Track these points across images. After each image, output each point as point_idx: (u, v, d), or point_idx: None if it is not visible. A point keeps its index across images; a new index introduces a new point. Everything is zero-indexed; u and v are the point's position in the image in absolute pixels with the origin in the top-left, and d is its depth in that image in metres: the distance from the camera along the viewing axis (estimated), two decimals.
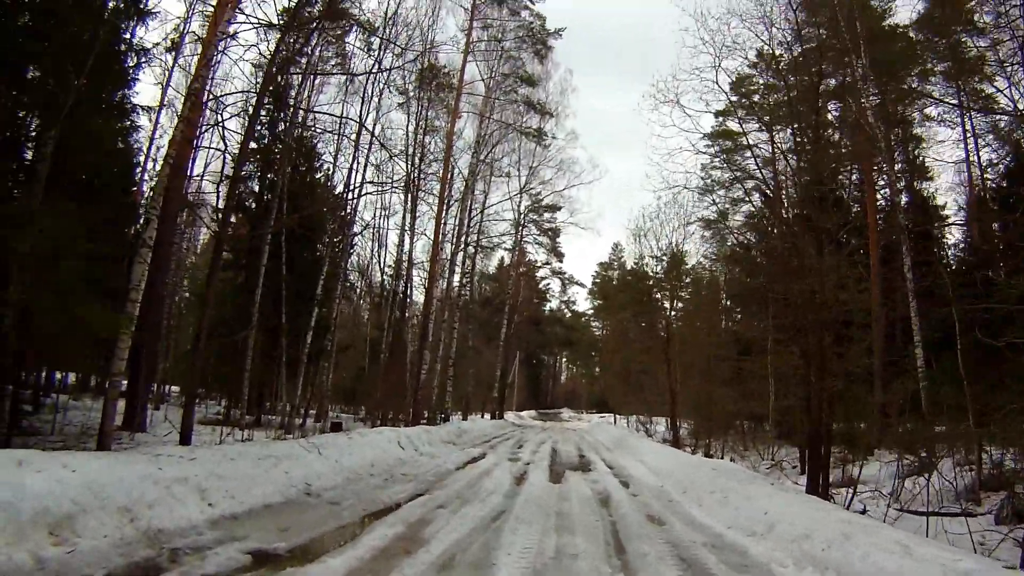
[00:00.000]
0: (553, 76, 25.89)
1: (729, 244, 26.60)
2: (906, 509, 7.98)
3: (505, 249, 30.87)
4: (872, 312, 12.72)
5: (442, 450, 12.86)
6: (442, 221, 19.35)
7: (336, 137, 17.88)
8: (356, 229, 21.28)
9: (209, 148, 15.88)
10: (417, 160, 20.47)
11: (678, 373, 18.18)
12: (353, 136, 17.09)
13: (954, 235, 16.67)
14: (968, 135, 15.65)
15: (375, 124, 18.44)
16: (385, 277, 23.99)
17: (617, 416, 32.81)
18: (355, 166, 18.66)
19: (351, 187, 18.37)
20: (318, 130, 17.80)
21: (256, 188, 16.88)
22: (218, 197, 14.62)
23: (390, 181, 18.58)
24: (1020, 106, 9.02)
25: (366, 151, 17.87)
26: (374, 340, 23.98)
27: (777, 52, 14.60)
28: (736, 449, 17.39)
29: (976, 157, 15.52)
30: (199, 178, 18.52)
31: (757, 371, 18.69)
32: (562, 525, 5.83)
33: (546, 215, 31.28)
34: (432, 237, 19.94)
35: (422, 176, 20.40)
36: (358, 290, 28.03)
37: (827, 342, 7.68)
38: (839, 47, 14.56)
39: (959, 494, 8.24)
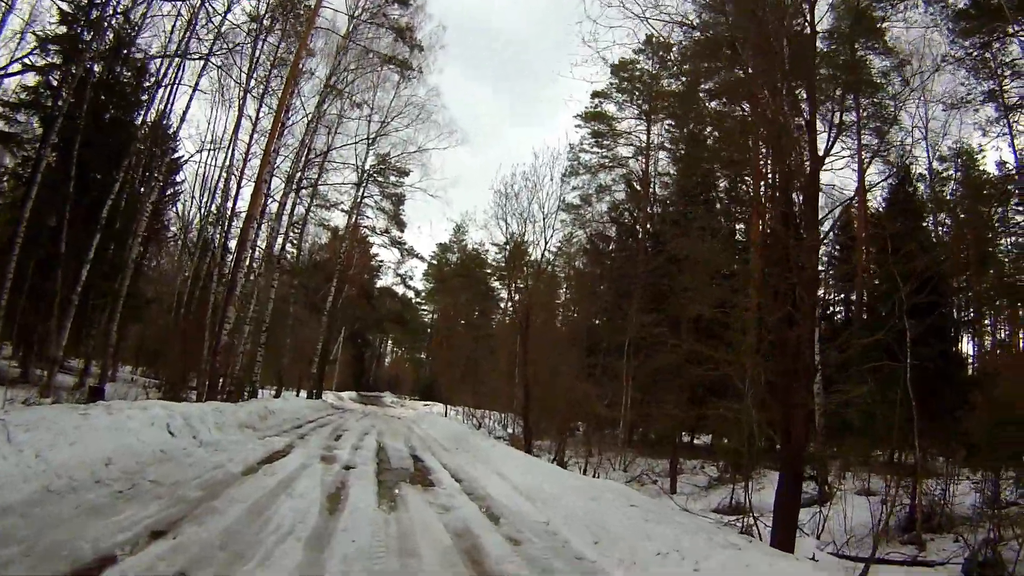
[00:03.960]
0: (425, 28, 22.67)
1: (586, 232, 25.58)
2: (841, 554, 6.37)
3: (343, 210, 27.16)
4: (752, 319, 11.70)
5: (234, 438, 9.36)
6: (273, 147, 15.09)
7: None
8: (179, 154, 18.07)
9: None
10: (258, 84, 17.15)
11: (532, 368, 16.08)
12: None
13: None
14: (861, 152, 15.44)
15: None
16: (206, 224, 20.50)
17: (448, 407, 30.37)
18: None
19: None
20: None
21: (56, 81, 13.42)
22: None
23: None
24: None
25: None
26: (183, 296, 20.28)
27: (669, 38, 13.14)
28: (582, 455, 15.78)
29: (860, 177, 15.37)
30: None
31: (613, 371, 17.41)
32: None
33: (392, 178, 28.25)
34: (258, 170, 15.74)
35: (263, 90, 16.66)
36: (177, 240, 24.30)
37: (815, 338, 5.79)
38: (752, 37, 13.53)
39: (889, 532, 6.85)
